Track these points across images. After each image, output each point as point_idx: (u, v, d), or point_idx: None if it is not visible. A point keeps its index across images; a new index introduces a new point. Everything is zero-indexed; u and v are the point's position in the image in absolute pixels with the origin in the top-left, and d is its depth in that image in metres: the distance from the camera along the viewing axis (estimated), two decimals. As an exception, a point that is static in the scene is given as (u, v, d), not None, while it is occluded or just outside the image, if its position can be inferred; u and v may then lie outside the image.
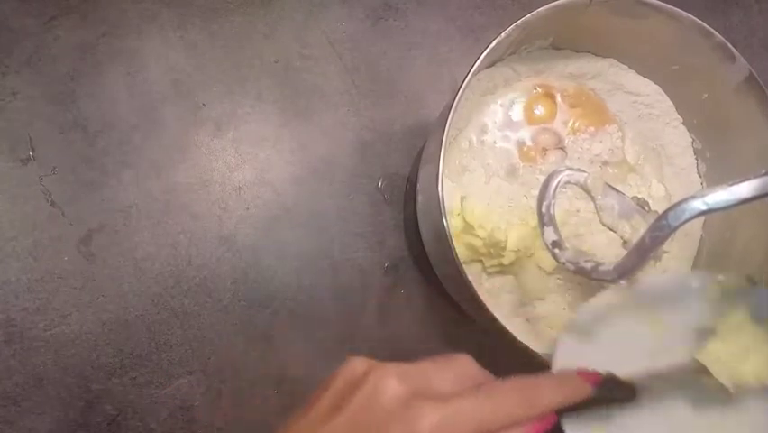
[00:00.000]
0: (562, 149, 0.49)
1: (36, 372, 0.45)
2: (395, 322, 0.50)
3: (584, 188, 0.41)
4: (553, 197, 0.40)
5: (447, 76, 0.54)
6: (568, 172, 0.41)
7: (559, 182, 0.40)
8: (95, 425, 0.45)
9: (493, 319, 0.38)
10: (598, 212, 0.42)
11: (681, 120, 0.51)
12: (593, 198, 0.41)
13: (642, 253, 0.34)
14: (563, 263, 0.39)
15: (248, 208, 0.49)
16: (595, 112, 0.51)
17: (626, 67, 0.50)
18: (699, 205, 0.30)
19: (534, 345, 0.44)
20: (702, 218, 0.51)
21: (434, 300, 0.51)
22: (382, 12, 0.54)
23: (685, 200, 0.31)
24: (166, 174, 0.49)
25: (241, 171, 0.50)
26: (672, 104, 0.51)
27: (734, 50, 0.43)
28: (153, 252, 0.47)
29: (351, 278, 0.50)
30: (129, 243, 0.47)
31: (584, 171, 0.41)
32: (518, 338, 0.39)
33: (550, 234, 0.40)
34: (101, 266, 0.46)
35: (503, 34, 0.40)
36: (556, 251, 0.39)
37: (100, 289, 0.46)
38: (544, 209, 0.40)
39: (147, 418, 0.46)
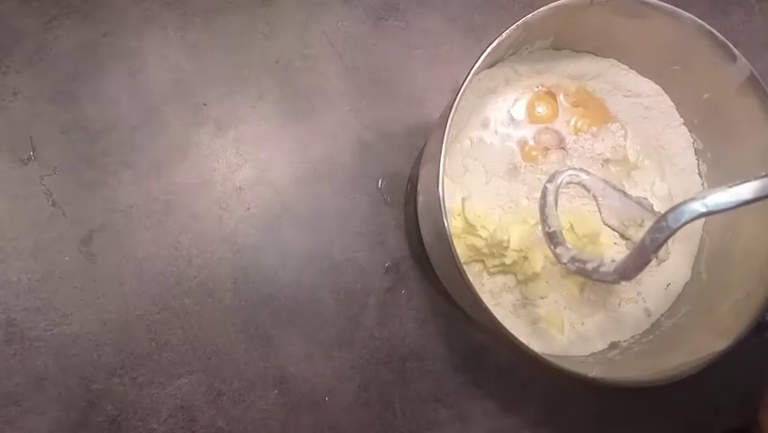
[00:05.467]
0: (563, 148, 0.49)
1: (37, 372, 0.45)
2: (395, 322, 0.50)
3: (586, 188, 0.41)
4: (556, 197, 0.40)
5: (448, 76, 0.54)
6: (570, 172, 0.41)
7: (561, 182, 0.40)
8: (95, 425, 0.45)
9: (493, 319, 0.38)
10: (600, 212, 0.42)
11: (682, 120, 0.51)
12: (595, 198, 0.41)
13: (642, 254, 0.34)
14: (564, 264, 0.39)
15: (248, 208, 0.49)
16: (597, 110, 0.51)
17: (627, 67, 0.50)
18: (698, 207, 0.30)
19: (535, 345, 0.44)
20: (703, 219, 0.51)
21: (434, 300, 0.51)
22: (383, 12, 0.54)
23: (685, 202, 0.31)
24: (166, 174, 0.49)
25: (241, 171, 0.50)
26: (672, 104, 0.51)
27: (735, 51, 0.43)
28: (154, 252, 0.47)
29: (351, 278, 0.50)
30: (130, 243, 0.47)
31: (586, 171, 0.41)
32: (518, 338, 0.39)
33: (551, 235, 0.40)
34: (102, 266, 0.46)
35: (504, 34, 0.40)
36: (557, 251, 0.39)
37: (101, 289, 0.46)
38: (545, 209, 0.40)
39: (148, 417, 0.46)
